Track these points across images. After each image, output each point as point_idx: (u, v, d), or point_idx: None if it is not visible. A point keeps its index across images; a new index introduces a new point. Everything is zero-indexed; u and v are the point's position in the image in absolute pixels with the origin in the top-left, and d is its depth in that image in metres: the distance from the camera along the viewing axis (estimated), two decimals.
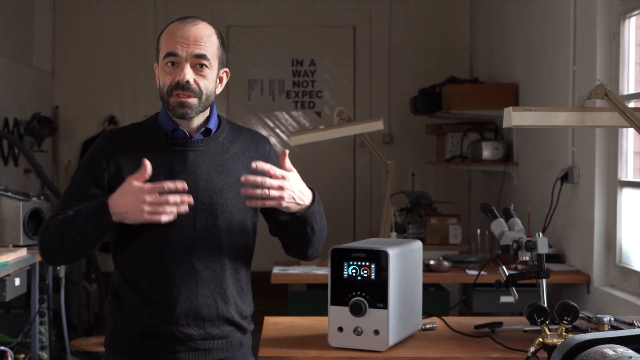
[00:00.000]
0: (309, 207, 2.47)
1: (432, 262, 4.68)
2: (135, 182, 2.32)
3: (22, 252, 4.51)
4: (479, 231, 5.27)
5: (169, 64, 2.47)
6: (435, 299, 4.86)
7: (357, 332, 2.71)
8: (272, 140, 7.66)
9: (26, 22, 7.19)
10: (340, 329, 2.74)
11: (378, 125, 4.91)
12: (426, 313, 3.13)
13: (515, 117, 2.89)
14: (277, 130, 7.65)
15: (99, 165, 2.51)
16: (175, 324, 2.47)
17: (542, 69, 5.32)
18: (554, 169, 4.92)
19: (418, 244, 2.98)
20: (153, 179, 2.47)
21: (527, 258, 2.99)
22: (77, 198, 2.48)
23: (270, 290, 5.23)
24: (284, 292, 5.13)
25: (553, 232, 4.93)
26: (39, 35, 7.37)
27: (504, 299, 4.52)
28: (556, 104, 4.92)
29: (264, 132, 7.62)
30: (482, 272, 4.47)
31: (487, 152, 6.01)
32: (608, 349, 1.82)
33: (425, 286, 4.84)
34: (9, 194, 4.89)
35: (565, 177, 4.70)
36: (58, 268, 4.98)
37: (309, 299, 4.75)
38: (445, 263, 4.69)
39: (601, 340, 1.88)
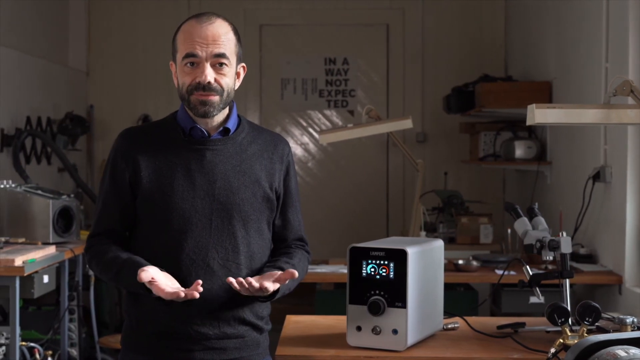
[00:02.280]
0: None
1: (460, 261, 4.64)
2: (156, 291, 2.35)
3: (51, 250, 4.54)
4: (509, 231, 5.21)
5: (189, 64, 2.46)
6: (463, 299, 4.82)
7: (376, 331, 2.69)
8: (305, 139, 7.65)
9: (61, 23, 7.25)
10: (359, 328, 2.72)
11: (407, 124, 4.88)
12: (448, 313, 3.09)
13: (538, 115, 2.85)
14: (310, 130, 7.63)
15: (119, 166, 2.53)
16: (190, 323, 2.46)
17: (575, 66, 5.25)
18: (587, 168, 4.85)
19: (439, 243, 2.95)
20: (170, 177, 2.47)
21: (551, 258, 2.94)
22: (111, 209, 2.54)
23: (300, 289, 5.21)
24: (313, 291, 5.11)
25: (585, 232, 4.86)
26: (74, 35, 7.43)
27: (534, 299, 4.45)
28: (589, 101, 4.84)
29: (297, 131, 7.64)
30: (512, 272, 4.45)
31: (519, 150, 5.94)
32: (620, 350, 1.79)
33: (454, 286, 4.86)
34: (39, 192, 4.93)
35: (597, 176, 4.62)
36: (87, 266, 5.01)
37: (335, 298, 4.73)
38: (474, 263, 4.64)
39: (615, 342, 1.85)
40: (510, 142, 6.06)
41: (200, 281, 2.32)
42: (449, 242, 5.71)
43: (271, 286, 2.37)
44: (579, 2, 5.17)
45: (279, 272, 2.41)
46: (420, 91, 7.59)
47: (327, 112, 7.66)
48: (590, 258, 4.76)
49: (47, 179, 6.41)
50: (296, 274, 2.38)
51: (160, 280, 2.34)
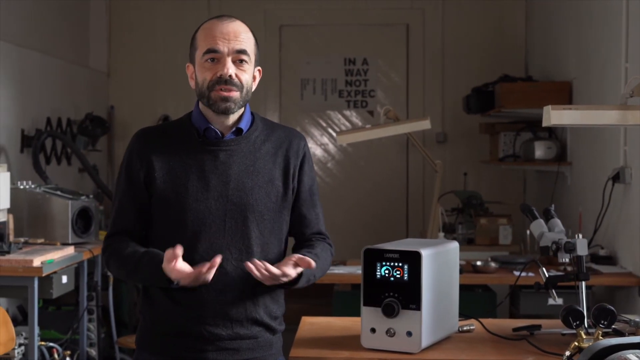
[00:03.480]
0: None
1: (479, 262, 4.63)
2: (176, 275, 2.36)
3: (70, 250, 4.57)
4: (528, 232, 5.19)
5: (210, 60, 2.47)
6: (481, 301, 4.80)
7: (390, 333, 2.68)
8: (324, 139, 7.65)
9: (82, 24, 7.29)
10: (373, 330, 2.71)
11: (425, 125, 4.87)
12: (464, 315, 3.07)
13: (554, 116, 2.83)
14: (330, 130, 7.63)
15: (134, 165, 2.54)
16: (203, 324, 2.47)
17: (595, 66, 5.22)
18: (606, 169, 4.82)
19: (454, 245, 2.93)
20: (184, 178, 2.48)
21: (567, 260, 2.92)
22: (127, 209, 2.55)
23: (318, 289, 5.21)
24: (331, 292, 5.11)
25: (605, 233, 4.83)
26: (94, 36, 7.47)
27: (553, 301, 4.42)
28: (609, 102, 4.81)
29: (316, 132, 7.63)
30: (530, 274, 4.42)
31: (539, 151, 5.91)
32: (632, 355, 1.77)
33: (472, 287, 4.84)
34: (58, 192, 4.96)
35: (617, 177, 4.59)
36: (105, 266, 5.03)
37: (353, 299, 4.70)
38: (492, 264, 4.62)
39: (626, 346, 1.83)
40: (530, 142, 6.03)
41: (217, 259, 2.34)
42: (468, 243, 5.69)
43: (292, 271, 2.39)
44: (599, 2, 5.14)
45: (297, 256, 2.41)
46: (440, 91, 7.57)
47: (347, 112, 7.65)
48: (610, 259, 4.72)
49: (68, 180, 6.44)
50: (313, 264, 2.39)
51: (181, 264, 2.35)
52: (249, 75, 2.50)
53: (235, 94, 2.46)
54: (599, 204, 4.78)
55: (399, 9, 7.62)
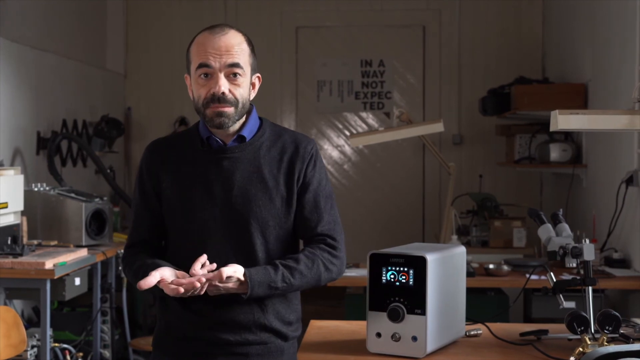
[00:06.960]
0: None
1: (491, 266, 4.61)
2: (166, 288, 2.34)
3: (82, 253, 4.59)
4: None
5: (202, 75, 2.47)
6: (493, 304, 4.79)
7: (395, 338, 2.68)
8: (340, 141, 7.65)
9: (99, 25, 7.33)
10: (379, 335, 2.71)
11: (438, 127, 4.86)
12: (472, 319, 3.07)
13: (561, 120, 2.82)
14: (346, 132, 7.62)
15: (145, 179, 2.58)
16: (212, 329, 2.49)
17: (609, 68, 5.19)
18: (621, 172, 4.79)
19: (461, 249, 2.93)
20: (190, 187, 2.50)
21: (574, 265, 2.90)
22: (142, 220, 2.59)
23: (331, 292, 5.22)
24: (344, 294, 5.12)
25: (619, 237, 4.80)
26: (112, 38, 7.51)
27: (566, 303, 4.40)
28: (623, 104, 4.78)
29: (333, 134, 7.64)
30: (542, 277, 4.40)
31: (554, 153, 5.88)
32: None
33: (485, 290, 4.83)
34: (72, 195, 4.99)
35: (630, 180, 4.56)
36: (120, 267, 5.06)
37: (364, 302, 4.71)
38: (505, 267, 4.60)
39: (624, 354, 1.83)
40: (545, 144, 6.00)
41: (196, 267, 2.33)
42: (483, 245, 5.68)
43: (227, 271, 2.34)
44: (615, 4, 5.11)
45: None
46: (457, 93, 7.55)
47: (363, 114, 7.65)
48: (624, 263, 4.70)
49: (85, 182, 6.48)
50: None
51: (168, 278, 2.35)
52: (244, 89, 2.48)
53: (229, 110, 2.45)
54: (613, 207, 4.75)
55: (415, 10, 7.61)
